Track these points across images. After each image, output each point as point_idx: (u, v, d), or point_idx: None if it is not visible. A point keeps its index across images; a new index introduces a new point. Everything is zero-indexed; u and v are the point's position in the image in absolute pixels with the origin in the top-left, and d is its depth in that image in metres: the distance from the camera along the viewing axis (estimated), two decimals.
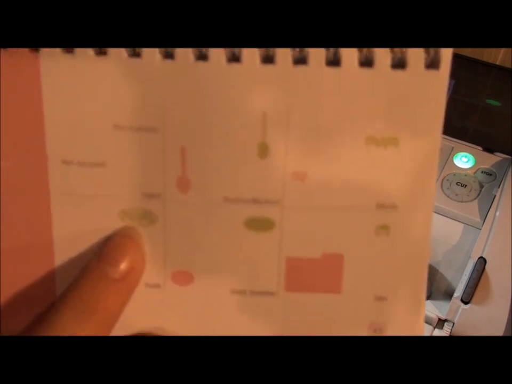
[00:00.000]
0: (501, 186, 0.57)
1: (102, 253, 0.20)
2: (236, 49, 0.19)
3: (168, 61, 0.19)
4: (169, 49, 0.19)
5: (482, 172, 0.59)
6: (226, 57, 0.19)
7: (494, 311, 0.48)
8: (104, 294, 0.19)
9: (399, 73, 0.19)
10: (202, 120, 0.19)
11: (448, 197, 0.57)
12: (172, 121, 0.20)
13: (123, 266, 0.19)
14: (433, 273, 0.55)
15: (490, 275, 0.50)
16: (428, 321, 0.51)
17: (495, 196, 0.56)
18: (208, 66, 0.19)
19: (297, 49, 0.19)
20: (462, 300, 0.49)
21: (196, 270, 0.21)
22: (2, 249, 0.20)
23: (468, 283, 0.49)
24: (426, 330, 0.52)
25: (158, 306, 0.21)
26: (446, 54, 0.19)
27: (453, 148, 0.61)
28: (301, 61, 0.19)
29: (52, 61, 0.19)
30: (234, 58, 0.19)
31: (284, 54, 0.19)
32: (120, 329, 0.20)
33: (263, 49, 0.19)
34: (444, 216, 0.56)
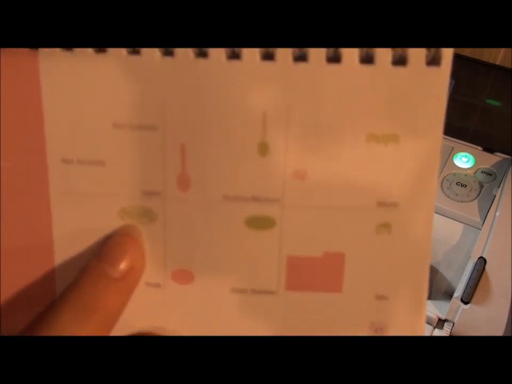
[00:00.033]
0: (501, 186, 0.57)
1: (102, 252, 0.20)
2: None
3: (168, 58, 0.19)
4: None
5: (482, 172, 0.59)
6: (226, 54, 0.19)
7: (494, 311, 0.48)
8: (104, 293, 0.19)
9: (400, 70, 0.19)
10: (202, 118, 0.19)
11: (448, 197, 0.57)
12: (172, 119, 0.19)
13: (123, 265, 0.19)
14: (433, 273, 0.55)
15: (490, 275, 0.50)
16: (428, 321, 0.51)
17: (495, 195, 0.56)
18: (208, 63, 0.19)
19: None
20: (462, 300, 0.49)
21: (196, 268, 0.21)
22: (2, 249, 0.20)
23: (468, 283, 0.49)
24: (426, 330, 0.52)
25: (158, 305, 0.21)
26: (447, 50, 0.19)
27: (453, 147, 0.61)
28: (301, 57, 0.19)
29: (51, 60, 0.19)
30: (234, 55, 0.19)
31: (284, 51, 0.19)
32: (120, 329, 0.20)
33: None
34: (444, 216, 0.56)
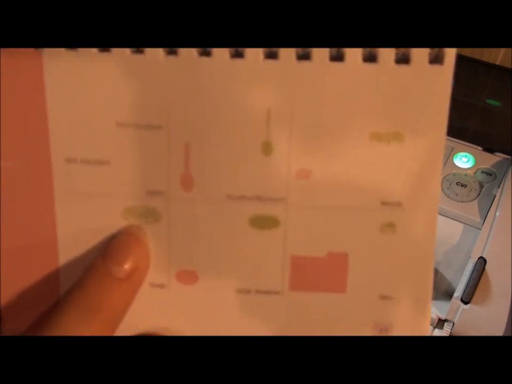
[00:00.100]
0: (501, 186, 0.57)
1: (107, 251, 0.20)
2: None
3: (171, 57, 0.19)
4: None
5: (482, 172, 0.59)
6: (230, 53, 0.19)
7: (494, 311, 0.48)
8: (108, 293, 0.19)
9: (403, 68, 0.19)
10: (205, 117, 0.19)
11: (448, 197, 0.57)
12: (176, 118, 0.19)
13: (128, 265, 0.19)
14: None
15: (490, 275, 0.50)
16: None
17: (495, 195, 0.56)
18: (212, 62, 0.19)
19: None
20: (462, 300, 0.49)
21: (200, 269, 0.21)
22: (6, 248, 0.20)
23: (468, 283, 0.49)
24: None
25: (162, 306, 0.21)
26: (450, 49, 0.19)
27: (453, 147, 0.61)
28: (304, 56, 0.19)
29: (55, 59, 0.19)
30: (238, 55, 0.19)
31: (288, 50, 0.19)
32: (124, 330, 0.20)
33: None
34: (444, 216, 0.56)
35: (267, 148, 0.20)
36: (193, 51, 0.19)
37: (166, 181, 0.20)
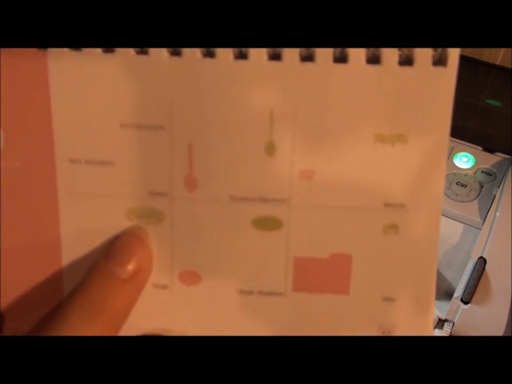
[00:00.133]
0: (501, 186, 0.56)
1: (110, 252, 0.20)
2: None
3: (175, 58, 0.19)
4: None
5: (482, 172, 0.59)
6: (234, 54, 0.19)
7: (494, 311, 0.48)
8: (112, 294, 0.19)
9: (406, 70, 0.19)
10: (209, 118, 0.19)
11: (448, 197, 0.57)
12: (179, 119, 0.19)
13: (131, 266, 0.19)
14: None
15: (490, 275, 0.50)
16: None
17: (495, 195, 0.56)
18: (215, 63, 0.19)
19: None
20: (462, 300, 0.49)
21: (203, 270, 0.21)
22: (9, 248, 0.20)
23: (468, 283, 0.49)
24: None
25: (165, 307, 0.21)
26: (454, 51, 0.19)
27: (453, 147, 0.61)
28: (308, 58, 0.19)
29: (60, 60, 0.19)
30: (242, 56, 0.19)
31: (291, 51, 0.19)
32: (127, 330, 0.20)
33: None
34: (444, 216, 0.56)
35: (270, 149, 0.20)
36: (197, 52, 0.19)
37: (169, 182, 0.20)
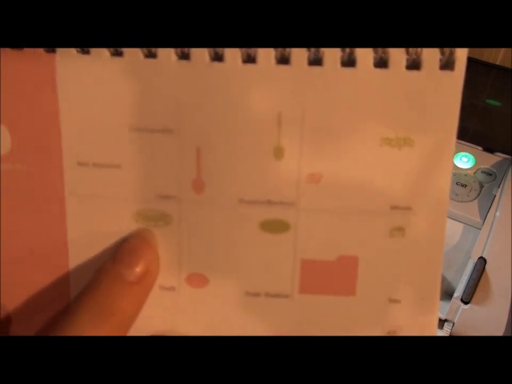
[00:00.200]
0: (501, 186, 0.56)
1: (117, 255, 0.20)
2: (251, 50, 0.19)
3: (184, 62, 0.19)
4: (185, 50, 0.19)
5: (482, 172, 0.59)
6: (242, 58, 0.19)
7: (494, 311, 0.48)
8: (119, 297, 0.19)
9: (414, 74, 0.19)
10: (217, 121, 0.19)
11: None
12: (187, 123, 0.19)
13: (139, 269, 0.19)
14: None
15: (490, 275, 0.50)
16: None
17: (495, 195, 0.56)
18: (224, 67, 0.19)
19: (313, 50, 0.19)
20: (462, 300, 0.49)
21: (210, 272, 0.21)
22: (17, 251, 0.20)
23: (468, 283, 0.49)
24: None
25: (172, 309, 0.21)
26: (461, 55, 0.19)
27: None
28: (316, 61, 0.19)
29: (68, 62, 0.19)
30: (250, 59, 0.19)
31: (299, 55, 0.19)
32: (134, 333, 0.20)
33: (278, 50, 0.19)
34: None
35: (278, 152, 0.20)
36: (206, 56, 0.19)
37: (177, 185, 0.20)
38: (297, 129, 0.19)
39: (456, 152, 0.61)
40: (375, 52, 0.19)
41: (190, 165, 0.20)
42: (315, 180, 0.20)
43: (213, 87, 0.19)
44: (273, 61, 0.19)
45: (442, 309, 0.52)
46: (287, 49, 0.19)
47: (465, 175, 0.58)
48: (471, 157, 0.60)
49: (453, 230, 0.56)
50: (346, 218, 0.20)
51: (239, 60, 0.19)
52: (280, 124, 0.19)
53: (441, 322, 0.51)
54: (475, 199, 0.57)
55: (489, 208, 0.55)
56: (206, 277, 0.21)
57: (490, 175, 0.59)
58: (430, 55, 0.19)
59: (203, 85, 0.19)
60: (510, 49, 0.59)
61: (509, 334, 0.47)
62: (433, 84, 0.19)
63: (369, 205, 0.20)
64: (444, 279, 0.55)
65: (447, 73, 0.19)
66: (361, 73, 0.19)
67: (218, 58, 0.19)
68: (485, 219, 0.54)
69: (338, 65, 0.19)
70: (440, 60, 0.19)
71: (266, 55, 0.19)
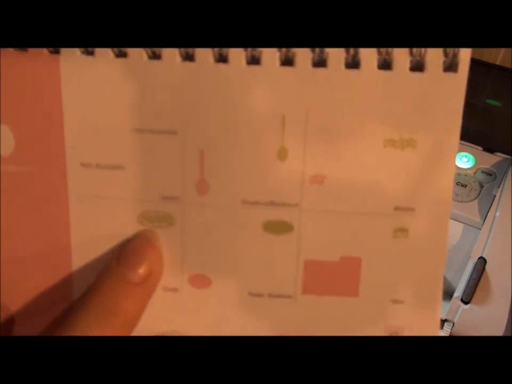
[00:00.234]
0: (501, 186, 0.56)
1: (121, 256, 0.20)
2: (256, 52, 0.19)
3: (188, 63, 0.19)
4: (189, 52, 0.19)
5: (482, 172, 0.59)
6: (246, 59, 0.19)
7: (494, 311, 0.48)
8: (123, 297, 0.19)
9: (417, 75, 0.19)
10: (221, 122, 0.19)
11: None
12: (191, 124, 0.20)
13: (142, 270, 0.19)
14: None
15: (490, 275, 0.50)
16: None
17: (495, 195, 0.56)
18: (228, 68, 0.19)
19: (317, 52, 0.19)
20: (462, 300, 0.49)
21: (213, 273, 0.21)
22: (20, 252, 0.20)
23: (468, 283, 0.49)
24: None
25: (175, 310, 0.21)
26: (464, 56, 0.19)
27: None
28: (320, 63, 0.19)
29: (72, 64, 0.19)
30: (254, 61, 0.19)
31: (303, 57, 0.19)
32: (136, 334, 0.20)
33: (282, 52, 0.19)
34: None
35: (282, 153, 0.20)
36: (210, 57, 0.19)
37: (181, 187, 0.20)
38: (301, 130, 0.20)
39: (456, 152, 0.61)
40: (379, 54, 0.19)
41: (194, 166, 0.20)
42: (318, 181, 0.20)
43: (217, 88, 0.19)
44: (277, 62, 0.19)
45: (442, 309, 0.51)
46: (291, 51, 0.19)
47: (465, 175, 0.58)
48: (471, 157, 0.60)
49: (453, 230, 0.56)
50: (349, 219, 0.20)
51: (243, 61, 0.19)
52: (284, 125, 0.19)
53: (441, 322, 0.51)
54: (475, 199, 0.57)
55: (489, 208, 0.55)
56: (209, 278, 0.21)
57: (490, 175, 0.59)
58: (434, 57, 0.19)
59: (207, 86, 0.19)
60: (510, 49, 0.59)
61: (509, 334, 0.47)
62: (436, 85, 0.19)
63: (372, 206, 0.20)
64: (444, 279, 0.55)
65: (450, 75, 0.19)
66: (365, 75, 0.19)
67: (222, 59, 0.19)
68: (485, 219, 0.54)
69: (342, 66, 0.19)
70: (444, 62, 0.19)
71: (270, 56, 0.19)
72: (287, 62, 0.19)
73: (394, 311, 0.21)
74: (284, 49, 0.19)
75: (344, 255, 0.21)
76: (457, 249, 0.55)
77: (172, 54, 0.19)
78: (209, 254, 0.21)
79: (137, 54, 0.19)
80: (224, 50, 0.19)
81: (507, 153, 0.60)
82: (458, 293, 0.50)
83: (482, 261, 0.50)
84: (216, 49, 0.19)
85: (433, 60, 0.19)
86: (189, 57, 0.19)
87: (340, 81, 0.19)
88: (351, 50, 0.19)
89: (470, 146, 0.61)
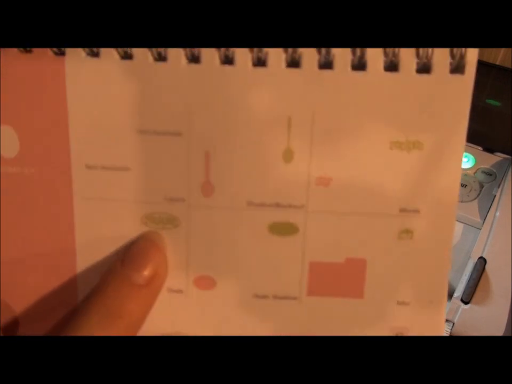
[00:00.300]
0: (501, 186, 0.56)
1: (126, 257, 0.20)
2: (262, 53, 0.19)
3: (193, 65, 0.19)
4: (195, 54, 0.19)
5: (482, 172, 0.59)
6: (252, 61, 0.19)
7: (494, 311, 0.48)
8: (128, 299, 0.19)
9: (424, 77, 0.19)
10: (227, 124, 0.19)
11: None
12: (197, 126, 0.20)
13: (147, 271, 0.19)
14: None
15: (490, 275, 0.50)
16: None
17: (495, 195, 0.56)
18: (234, 70, 0.19)
19: (323, 53, 0.19)
20: (462, 300, 0.49)
21: (218, 274, 0.21)
22: (24, 253, 0.20)
23: (468, 283, 0.49)
24: None
25: (180, 311, 0.21)
26: (471, 58, 0.19)
27: None
28: (326, 65, 0.19)
29: (77, 65, 0.19)
30: (260, 62, 0.19)
31: (309, 59, 0.19)
32: (141, 335, 0.20)
33: (288, 53, 0.19)
34: None
35: (288, 155, 0.20)
36: (216, 59, 0.19)
37: (186, 188, 0.20)
38: (307, 132, 0.20)
39: None
40: (385, 55, 0.19)
41: (199, 168, 0.20)
42: (324, 183, 0.20)
43: (223, 90, 0.19)
44: (283, 64, 0.19)
45: None
46: (297, 53, 0.19)
47: (465, 175, 0.58)
48: (471, 157, 0.60)
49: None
50: (354, 221, 0.20)
51: (249, 63, 0.19)
52: (289, 127, 0.19)
53: None
54: (475, 199, 0.57)
55: (489, 208, 0.55)
56: (213, 279, 0.21)
57: (490, 175, 0.59)
58: (440, 59, 0.19)
59: (213, 88, 0.19)
60: (510, 49, 0.59)
61: (509, 334, 0.47)
62: (443, 87, 0.19)
63: (378, 207, 0.20)
64: None
65: (457, 76, 0.19)
66: (372, 77, 0.19)
67: (228, 61, 0.19)
68: (485, 219, 0.54)
69: (349, 68, 0.19)
70: (451, 64, 0.19)
71: (276, 58, 0.19)
72: (293, 63, 0.19)
73: (399, 313, 0.21)
74: (290, 51, 0.19)
75: (349, 257, 0.21)
76: (457, 249, 0.55)
77: (177, 56, 0.19)
78: (214, 255, 0.21)
79: (143, 56, 0.19)
80: (230, 52, 0.19)
81: (507, 153, 0.60)
82: (458, 293, 0.50)
83: (482, 261, 0.50)
84: (222, 51, 0.19)
85: (440, 62, 0.19)
86: (194, 59, 0.19)
87: (346, 83, 0.19)
88: (357, 51, 0.19)
89: (470, 146, 0.61)
